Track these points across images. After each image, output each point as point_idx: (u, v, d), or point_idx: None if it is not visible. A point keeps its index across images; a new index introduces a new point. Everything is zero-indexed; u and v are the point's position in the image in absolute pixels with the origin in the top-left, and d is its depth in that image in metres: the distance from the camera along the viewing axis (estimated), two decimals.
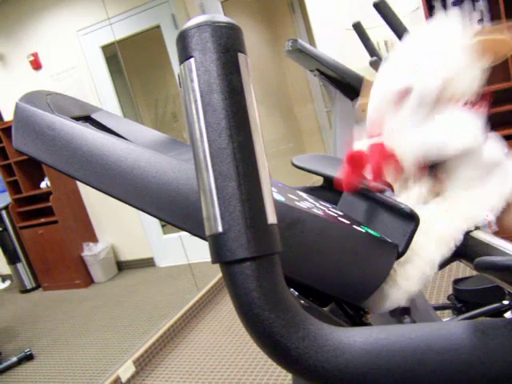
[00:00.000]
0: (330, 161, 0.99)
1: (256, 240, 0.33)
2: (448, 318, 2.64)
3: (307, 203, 0.58)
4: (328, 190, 0.90)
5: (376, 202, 0.66)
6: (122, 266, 5.14)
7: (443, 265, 0.69)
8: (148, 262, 4.94)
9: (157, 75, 5.13)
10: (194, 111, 0.35)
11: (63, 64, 4.61)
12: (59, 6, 4.44)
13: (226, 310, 3.58)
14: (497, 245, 0.61)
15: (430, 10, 3.09)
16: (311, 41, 3.90)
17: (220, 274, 3.93)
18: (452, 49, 0.69)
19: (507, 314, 2.21)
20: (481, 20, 3.02)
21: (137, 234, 4.76)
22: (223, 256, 0.34)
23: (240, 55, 0.36)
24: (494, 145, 0.71)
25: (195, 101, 0.35)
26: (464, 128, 0.66)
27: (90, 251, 4.87)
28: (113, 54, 4.37)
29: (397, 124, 0.68)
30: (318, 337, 0.35)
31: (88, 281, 4.94)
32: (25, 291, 5.18)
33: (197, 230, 0.43)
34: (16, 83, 4.87)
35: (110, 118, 0.70)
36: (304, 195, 0.66)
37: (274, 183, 0.62)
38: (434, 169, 0.69)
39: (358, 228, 0.56)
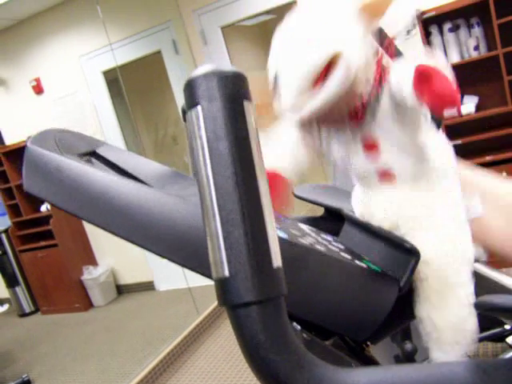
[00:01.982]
0: (330, 191, 1.00)
1: (262, 284, 0.34)
2: None
3: (310, 238, 0.59)
4: (329, 220, 0.91)
5: (377, 235, 0.66)
6: (121, 290, 5.11)
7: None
8: (148, 286, 4.91)
9: (157, 99, 5.18)
10: (201, 157, 0.36)
11: (65, 88, 4.66)
12: (62, 32, 4.51)
13: (227, 335, 3.55)
14: (498, 279, 0.61)
15: (427, 36, 3.14)
16: None
17: None
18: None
19: (509, 339, 2.20)
20: (477, 46, 3.06)
21: (136, 257, 4.74)
22: (230, 300, 0.35)
23: (245, 103, 0.37)
24: (446, 153, 0.67)
25: (202, 147, 0.36)
26: None
27: (89, 275, 4.85)
28: (114, 78, 4.42)
29: None
30: (322, 379, 0.36)
31: (87, 305, 4.91)
32: (23, 315, 5.13)
33: (201, 269, 0.44)
34: (18, 107, 4.92)
35: (113, 151, 0.71)
36: (306, 229, 0.67)
37: (276, 217, 0.62)
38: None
39: (360, 263, 0.57)
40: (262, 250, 0.35)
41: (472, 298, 0.55)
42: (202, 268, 0.41)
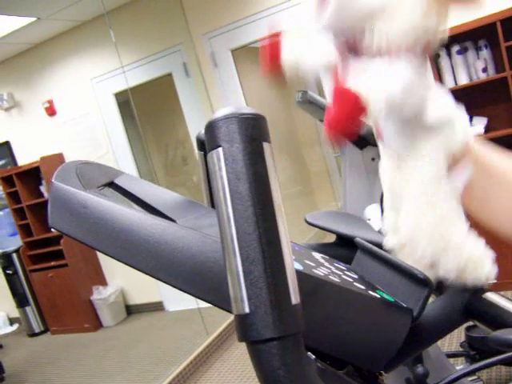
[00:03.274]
0: (342, 217, 1.01)
1: (281, 321, 0.36)
2: (461, 366, 2.59)
3: (324, 269, 0.60)
4: (341, 246, 0.92)
5: (390, 264, 0.67)
6: (130, 310, 5.11)
7: (456, 325, 0.70)
8: (157, 306, 4.91)
9: (168, 120, 5.24)
10: (222, 197, 0.38)
11: (77, 110, 4.73)
12: (75, 56, 4.60)
13: (236, 356, 3.53)
14: (509, 308, 0.62)
15: (435, 58, 3.17)
16: (319, 88, 3.99)
17: (230, 319, 3.89)
18: None
19: None
20: (485, 68, 3.09)
21: (146, 277, 4.71)
22: (250, 336, 0.36)
23: (265, 145, 0.39)
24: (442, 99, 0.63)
25: (223, 188, 0.38)
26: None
27: (99, 295, 4.86)
28: (125, 100, 4.49)
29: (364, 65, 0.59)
30: None
31: (97, 325, 4.91)
32: (33, 335, 5.14)
33: (221, 303, 0.45)
34: (31, 128, 5.00)
35: (131, 182, 0.73)
36: (320, 258, 0.68)
37: (293, 249, 0.64)
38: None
39: (374, 294, 0.58)
40: (281, 288, 0.36)
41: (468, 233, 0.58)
42: (223, 303, 0.43)
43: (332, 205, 5.43)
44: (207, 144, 0.40)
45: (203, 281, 0.44)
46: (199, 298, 0.44)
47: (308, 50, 0.66)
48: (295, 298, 0.37)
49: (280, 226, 0.37)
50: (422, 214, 0.63)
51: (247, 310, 0.36)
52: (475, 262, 0.63)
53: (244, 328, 0.36)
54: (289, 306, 0.36)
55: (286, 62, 0.66)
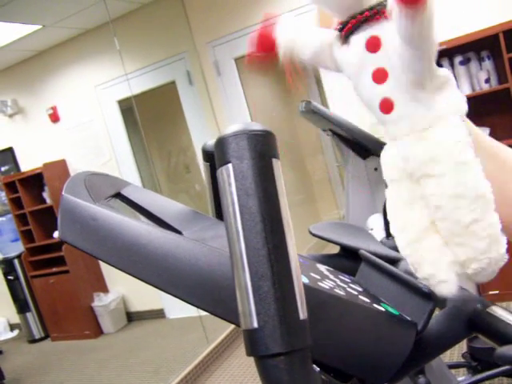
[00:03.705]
0: (346, 229, 1.01)
1: (289, 336, 0.36)
2: (463, 377, 2.58)
3: (329, 282, 0.60)
4: (345, 258, 0.92)
5: (394, 277, 0.68)
6: (131, 317, 5.11)
7: (460, 338, 0.70)
8: (158, 314, 4.90)
9: (171, 128, 5.26)
10: (232, 213, 0.38)
11: (80, 117, 4.75)
12: (79, 63, 4.62)
13: (237, 365, 3.52)
14: None
15: None
16: (322, 98, 4.01)
17: (231, 328, 3.89)
18: None
19: None
20: (488, 79, 3.10)
21: (147, 285, 4.75)
22: (258, 350, 0.36)
23: (274, 161, 0.39)
24: None
25: (233, 204, 0.38)
26: None
27: (100, 302, 4.85)
28: (128, 107, 4.51)
29: None
30: None
31: (97, 331, 4.90)
32: (33, 341, 5.13)
33: (228, 316, 0.45)
34: (34, 135, 5.02)
35: (137, 192, 0.74)
36: (324, 270, 0.68)
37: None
38: None
39: (378, 307, 0.58)
40: (289, 304, 0.37)
41: (490, 229, 0.56)
42: (230, 316, 0.43)
43: (334, 213, 5.43)
44: (217, 159, 0.40)
45: (211, 294, 0.44)
46: (207, 312, 0.44)
47: (304, 30, 0.67)
48: (303, 313, 0.37)
49: (288, 241, 0.38)
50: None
51: (256, 325, 0.36)
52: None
53: (252, 343, 0.36)
54: (297, 321, 0.37)
55: (280, 42, 0.67)
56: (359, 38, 0.62)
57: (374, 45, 0.61)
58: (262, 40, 0.68)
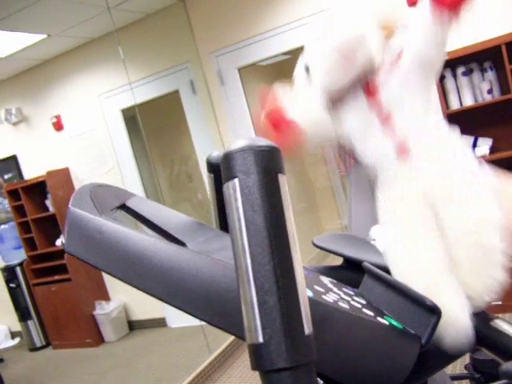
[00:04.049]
0: (349, 240, 1.02)
1: (294, 351, 0.36)
2: None
3: (333, 295, 0.60)
4: (348, 269, 0.92)
5: (397, 290, 0.68)
6: (133, 326, 5.09)
7: (464, 352, 0.70)
8: (159, 322, 4.88)
9: (174, 137, 5.27)
10: (238, 228, 0.39)
11: (84, 125, 4.77)
12: (83, 72, 4.65)
13: (238, 375, 3.51)
14: None
15: (440, 79, 3.19)
16: None
17: (232, 337, 3.87)
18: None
19: None
20: (490, 90, 3.10)
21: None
22: (263, 365, 0.36)
23: (280, 176, 0.40)
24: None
25: (239, 219, 0.39)
26: None
27: (101, 310, 4.84)
28: (132, 116, 4.52)
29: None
30: None
31: (99, 340, 4.89)
32: (34, 349, 5.12)
33: (233, 329, 0.45)
34: (38, 143, 5.04)
35: (142, 204, 0.74)
36: (328, 283, 0.68)
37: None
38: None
39: (382, 320, 0.58)
40: (294, 319, 0.37)
41: (503, 258, 0.58)
42: (235, 329, 0.43)
43: (336, 223, 5.42)
44: (223, 174, 0.41)
45: (216, 307, 0.45)
46: (212, 325, 0.45)
47: (307, 108, 0.73)
48: (308, 328, 0.38)
49: (294, 257, 0.38)
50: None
51: (261, 340, 0.36)
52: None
53: (258, 357, 0.37)
54: (302, 336, 0.37)
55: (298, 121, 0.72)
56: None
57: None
58: (275, 123, 0.73)
